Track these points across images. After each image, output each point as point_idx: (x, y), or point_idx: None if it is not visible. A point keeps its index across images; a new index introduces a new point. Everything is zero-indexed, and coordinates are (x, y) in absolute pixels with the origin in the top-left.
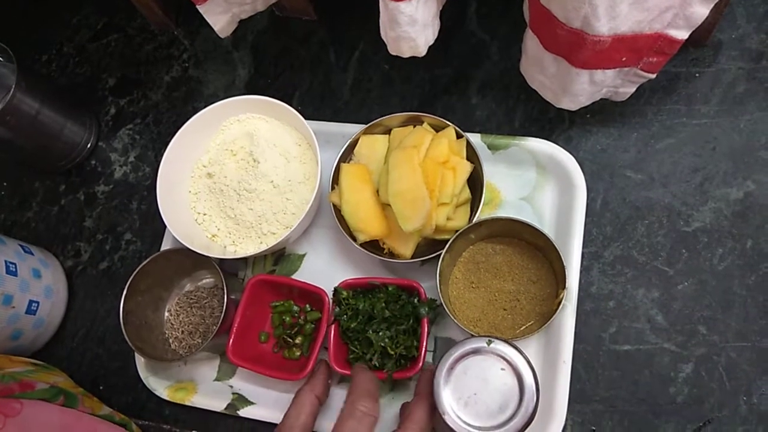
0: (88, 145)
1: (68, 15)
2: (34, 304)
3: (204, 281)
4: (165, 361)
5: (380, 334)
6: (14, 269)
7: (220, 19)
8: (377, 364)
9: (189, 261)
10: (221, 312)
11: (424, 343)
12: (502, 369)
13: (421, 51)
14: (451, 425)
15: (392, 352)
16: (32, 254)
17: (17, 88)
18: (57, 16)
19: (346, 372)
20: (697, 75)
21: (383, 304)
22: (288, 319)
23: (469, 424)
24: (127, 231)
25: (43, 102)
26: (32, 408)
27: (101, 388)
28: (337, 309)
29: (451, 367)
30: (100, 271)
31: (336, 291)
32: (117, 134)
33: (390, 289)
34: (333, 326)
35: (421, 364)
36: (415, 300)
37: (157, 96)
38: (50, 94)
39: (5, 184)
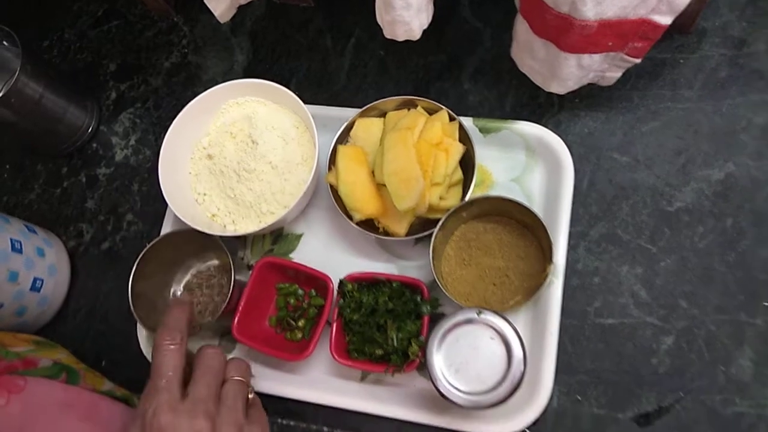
0: (89, 129)
1: (69, 2)
2: (38, 282)
3: (209, 263)
4: None
5: (399, 334)
6: (19, 247)
7: (219, 5)
8: (380, 358)
9: (194, 243)
10: (228, 290)
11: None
12: (492, 338)
13: (416, 34)
14: (442, 391)
15: (410, 354)
16: (36, 233)
17: (22, 71)
18: (58, 2)
19: (345, 362)
20: (681, 61)
21: (386, 298)
22: (293, 301)
23: (459, 390)
24: (128, 212)
25: (46, 86)
26: (35, 385)
27: (104, 363)
28: (342, 301)
29: (443, 337)
30: (102, 251)
31: (341, 283)
32: (118, 118)
33: (394, 285)
34: (337, 317)
35: (418, 361)
36: (418, 298)
37: (157, 81)
38: (53, 78)
39: (7, 167)
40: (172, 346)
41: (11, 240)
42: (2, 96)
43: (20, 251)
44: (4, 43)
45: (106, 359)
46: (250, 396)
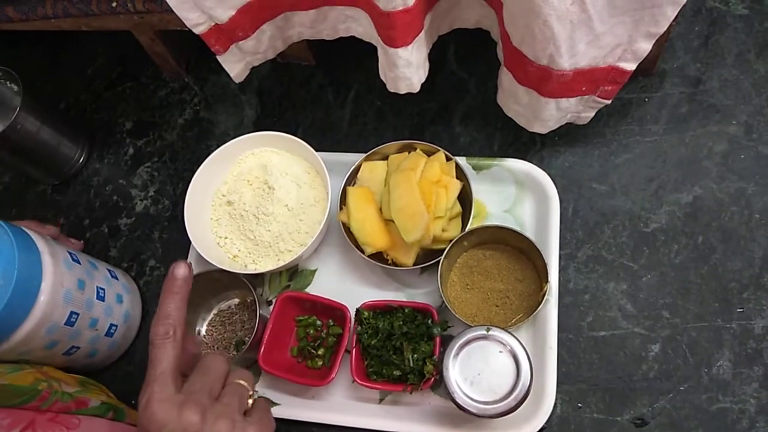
0: (80, 160)
1: (83, 66)
2: (113, 328)
3: (230, 301)
4: None
5: (415, 355)
6: (102, 295)
7: (236, 67)
8: (398, 378)
9: (216, 284)
10: (252, 325)
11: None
12: (501, 352)
13: (416, 88)
14: (459, 402)
15: (426, 372)
16: (117, 279)
17: (22, 107)
18: (72, 68)
19: (366, 384)
20: (646, 100)
21: (401, 323)
22: (312, 332)
23: (475, 400)
24: (150, 258)
25: (43, 121)
26: (88, 422)
27: (133, 402)
28: (359, 328)
29: (457, 353)
30: None
31: (358, 311)
32: (136, 172)
33: (406, 310)
34: (356, 344)
35: (433, 378)
36: (429, 321)
37: (172, 136)
38: (49, 115)
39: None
40: (166, 340)
41: (97, 288)
42: (7, 127)
43: (103, 299)
44: (7, 83)
45: (135, 399)
46: (250, 401)
